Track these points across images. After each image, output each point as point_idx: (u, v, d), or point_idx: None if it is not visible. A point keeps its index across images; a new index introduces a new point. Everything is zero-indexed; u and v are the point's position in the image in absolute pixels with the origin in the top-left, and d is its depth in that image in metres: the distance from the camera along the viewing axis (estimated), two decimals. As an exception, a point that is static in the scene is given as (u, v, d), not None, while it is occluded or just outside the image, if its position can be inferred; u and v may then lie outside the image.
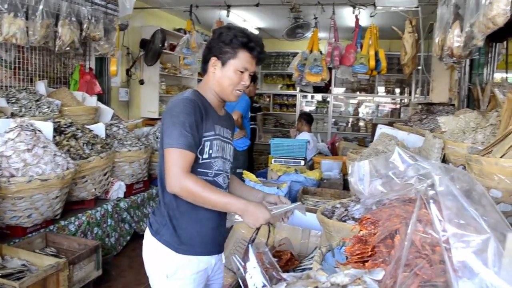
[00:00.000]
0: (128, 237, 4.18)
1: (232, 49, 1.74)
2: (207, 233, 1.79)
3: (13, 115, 3.64)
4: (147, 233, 1.84)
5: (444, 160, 2.62)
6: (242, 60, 1.75)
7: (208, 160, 1.75)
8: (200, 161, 1.73)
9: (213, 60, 1.78)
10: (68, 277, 2.74)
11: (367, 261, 1.11)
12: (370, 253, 1.11)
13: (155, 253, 1.79)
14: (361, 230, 1.20)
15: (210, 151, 1.75)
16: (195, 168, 1.72)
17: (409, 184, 1.04)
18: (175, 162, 1.60)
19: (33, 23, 4.08)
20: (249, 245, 1.79)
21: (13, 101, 3.90)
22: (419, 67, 5.73)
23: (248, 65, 1.77)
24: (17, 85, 4.38)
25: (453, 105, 4.77)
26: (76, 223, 3.50)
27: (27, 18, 4.04)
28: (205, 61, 1.83)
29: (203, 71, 1.86)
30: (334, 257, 1.38)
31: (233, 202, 1.64)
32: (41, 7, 4.11)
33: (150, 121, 6.46)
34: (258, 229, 2.73)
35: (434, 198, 0.95)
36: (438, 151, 2.53)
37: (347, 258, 1.23)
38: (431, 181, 0.98)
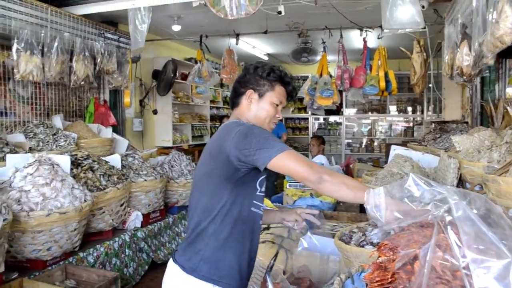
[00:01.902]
0: (146, 267, 4.17)
1: (269, 82, 1.81)
2: (244, 266, 1.76)
3: (31, 150, 3.72)
4: (179, 274, 1.74)
5: (460, 180, 2.60)
6: (278, 93, 1.81)
7: (262, 194, 1.77)
8: (258, 193, 1.75)
9: (250, 92, 1.81)
10: (88, 310, 2.74)
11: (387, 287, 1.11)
12: (390, 279, 1.11)
13: None
14: (379, 257, 1.20)
15: (264, 186, 1.77)
16: (251, 200, 1.73)
17: (425, 210, 1.05)
18: (299, 158, 1.56)
19: (49, 60, 4.20)
20: (267, 275, 1.79)
21: (31, 135, 3.99)
22: (430, 85, 5.75)
23: (283, 99, 1.83)
24: (35, 120, 4.49)
25: (467, 122, 4.75)
26: (95, 254, 3.52)
27: (42, 55, 4.17)
28: (237, 95, 1.85)
29: (233, 105, 1.88)
30: (353, 284, 1.38)
31: (363, 192, 1.44)
32: (56, 44, 4.25)
33: (164, 150, 6.54)
34: (276, 256, 2.73)
35: (452, 224, 0.95)
36: (454, 171, 2.52)
37: (366, 285, 1.23)
38: (448, 206, 0.98)
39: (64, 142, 4.02)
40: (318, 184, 1.50)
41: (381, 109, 9.84)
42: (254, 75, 1.82)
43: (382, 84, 5.41)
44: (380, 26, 4.59)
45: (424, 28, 3.91)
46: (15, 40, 3.95)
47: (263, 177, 1.75)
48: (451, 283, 0.96)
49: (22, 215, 2.84)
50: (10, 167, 3.17)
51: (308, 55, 6.89)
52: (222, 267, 1.70)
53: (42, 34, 4.23)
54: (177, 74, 7.06)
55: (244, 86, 1.83)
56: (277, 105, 1.81)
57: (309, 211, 1.91)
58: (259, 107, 1.80)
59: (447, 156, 2.74)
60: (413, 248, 1.09)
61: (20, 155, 3.36)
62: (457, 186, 2.55)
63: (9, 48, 4.08)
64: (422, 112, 8.74)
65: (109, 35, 5.25)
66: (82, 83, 4.61)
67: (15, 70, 4.01)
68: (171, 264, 1.80)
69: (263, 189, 1.78)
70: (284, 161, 1.55)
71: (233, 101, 1.88)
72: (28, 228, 2.89)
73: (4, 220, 2.51)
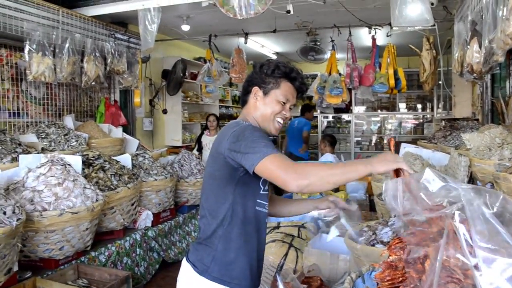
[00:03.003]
0: (157, 266, 4.21)
1: (274, 79, 1.77)
2: (255, 264, 1.78)
3: (43, 150, 3.76)
4: (191, 274, 1.75)
5: (471, 178, 2.59)
6: (284, 90, 1.77)
7: (266, 193, 1.76)
8: (261, 192, 1.75)
9: (255, 90, 1.80)
10: (101, 308, 2.77)
11: (398, 287, 1.11)
12: (400, 278, 1.11)
13: None
14: (390, 256, 1.21)
15: (264, 186, 1.76)
16: (256, 199, 1.74)
17: (439, 206, 1.05)
18: (281, 162, 1.49)
19: (60, 61, 4.26)
20: (277, 274, 1.80)
21: (43, 136, 4.04)
22: (440, 82, 5.71)
23: (290, 96, 1.78)
24: (47, 120, 4.54)
25: (477, 119, 4.72)
26: (106, 253, 3.55)
27: (54, 56, 4.22)
28: (245, 93, 1.85)
29: (243, 103, 1.87)
30: (364, 283, 1.38)
31: (357, 164, 1.44)
32: (67, 45, 4.30)
33: (174, 149, 6.57)
34: (286, 255, 2.74)
35: (464, 221, 0.95)
36: (465, 169, 2.51)
37: (377, 284, 1.24)
38: (461, 203, 0.98)
39: (75, 142, 4.06)
40: (303, 181, 1.43)
41: (391, 107, 9.80)
42: (260, 73, 1.80)
43: (392, 82, 5.38)
44: (389, 24, 4.57)
45: (434, 25, 3.89)
46: (27, 42, 4.01)
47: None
48: (462, 282, 0.96)
49: (35, 215, 2.88)
50: (23, 167, 3.20)
51: (316, 54, 6.88)
52: (232, 268, 1.71)
53: (54, 35, 4.28)
54: (187, 73, 7.09)
55: (251, 84, 1.82)
56: (284, 102, 1.77)
57: (343, 203, 1.86)
58: (265, 105, 1.78)
59: (457, 154, 2.73)
60: (424, 247, 1.09)
61: (33, 155, 3.40)
62: (468, 185, 2.53)
63: (21, 49, 4.13)
64: (432, 109, 8.70)
65: (119, 36, 5.30)
66: (93, 83, 4.65)
67: (27, 71, 4.08)
68: (184, 263, 1.82)
69: (266, 187, 1.77)
70: (265, 168, 1.50)
71: (243, 99, 1.87)
72: (41, 228, 2.92)
73: (17, 220, 2.55)
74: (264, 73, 1.79)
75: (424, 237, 1.12)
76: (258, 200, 1.75)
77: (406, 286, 1.06)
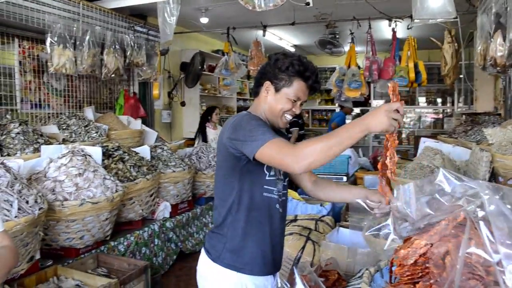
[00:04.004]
0: (175, 256, 4.25)
1: (287, 77, 1.74)
2: (268, 253, 1.81)
3: (64, 141, 3.83)
4: (205, 261, 1.84)
5: (493, 173, 2.55)
6: (296, 89, 1.74)
7: (273, 178, 1.77)
8: (267, 177, 1.76)
9: (267, 84, 1.78)
10: (120, 297, 2.82)
11: (417, 282, 1.11)
12: (420, 274, 1.11)
13: (214, 278, 1.80)
14: (402, 249, 1.20)
15: (270, 173, 1.77)
16: (262, 185, 1.75)
17: (457, 205, 1.04)
18: (279, 148, 1.51)
19: (81, 53, 4.31)
20: (294, 267, 1.80)
21: (64, 127, 4.11)
22: (461, 76, 5.61)
23: (301, 94, 1.75)
24: (67, 112, 4.61)
25: (499, 114, 4.63)
26: (125, 243, 3.60)
27: (75, 49, 4.27)
28: (257, 85, 1.83)
29: (255, 94, 1.87)
30: (383, 278, 1.38)
31: (352, 128, 1.44)
32: (87, 37, 4.35)
33: (191, 141, 6.60)
34: (303, 248, 2.74)
35: (485, 219, 0.94)
36: (486, 165, 2.47)
37: (395, 278, 1.23)
38: (480, 201, 0.97)
39: (95, 134, 4.12)
40: (304, 161, 1.43)
41: (410, 101, 9.67)
42: (274, 67, 1.76)
43: (412, 75, 5.31)
44: (410, 16, 4.50)
45: (456, 17, 3.81)
46: (49, 34, 4.07)
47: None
48: (484, 279, 0.95)
49: (57, 204, 2.93)
50: (44, 157, 3.26)
51: (333, 47, 6.82)
52: (243, 254, 1.76)
53: (74, 28, 4.33)
54: (205, 66, 7.11)
55: (264, 77, 1.80)
56: (294, 100, 1.75)
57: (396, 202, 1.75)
58: (275, 101, 1.76)
59: (479, 149, 2.69)
60: (445, 243, 1.08)
61: (54, 146, 3.46)
62: (489, 180, 2.50)
63: (43, 42, 4.20)
64: (452, 103, 8.57)
65: (138, 28, 5.34)
66: (113, 75, 4.70)
67: (49, 63, 4.14)
68: (202, 250, 1.89)
69: (272, 172, 1.77)
70: (265, 154, 1.53)
71: (255, 91, 1.87)
72: (62, 217, 2.98)
73: (39, 209, 2.60)
74: (278, 68, 1.75)
75: (444, 234, 1.11)
76: (265, 186, 1.76)
77: (426, 282, 1.06)
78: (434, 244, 1.10)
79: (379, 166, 1.56)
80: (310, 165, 1.44)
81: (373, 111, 1.41)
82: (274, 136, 1.56)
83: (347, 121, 7.48)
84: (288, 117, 1.79)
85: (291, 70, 1.73)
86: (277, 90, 1.76)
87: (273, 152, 1.51)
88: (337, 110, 9.47)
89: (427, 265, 1.10)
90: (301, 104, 1.80)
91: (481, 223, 0.95)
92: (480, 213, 0.96)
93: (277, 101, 1.76)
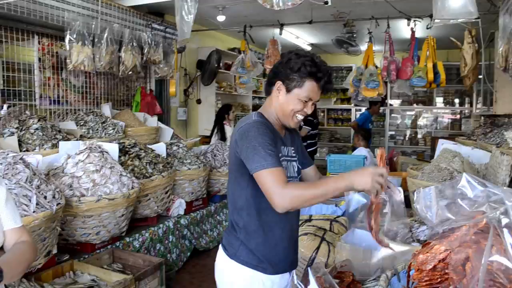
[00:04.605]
0: (189, 253, 4.28)
1: (299, 77, 1.71)
2: (280, 253, 1.82)
3: (82, 137, 3.87)
4: (223, 257, 1.86)
5: (513, 177, 2.50)
6: (307, 89, 1.72)
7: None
8: None
9: (279, 84, 1.77)
10: (134, 293, 2.84)
11: (436, 287, 1.09)
12: (439, 279, 1.09)
13: (231, 274, 1.83)
14: (421, 254, 1.18)
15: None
16: None
17: (480, 211, 1.02)
18: (272, 181, 1.57)
19: (99, 50, 4.35)
20: (308, 268, 1.79)
21: (81, 123, 4.16)
22: (480, 77, 5.52)
23: (313, 95, 1.73)
24: (85, 108, 4.66)
25: (520, 117, 4.54)
26: (140, 239, 3.63)
27: (93, 46, 4.31)
28: (270, 84, 1.82)
29: (266, 93, 1.87)
30: (400, 282, 1.36)
31: (339, 182, 1.55)
32: (106, 35, 4.38)
33: (207, 139, 6.63)
34: (317, 248, 2.73)
35: (508, 226, 0.92)
36: (507, 169, 2.42)
37: (412, 283, 1.21)
38: (504, 208, 0.95)
39: (112, 130, 4.16)
40: (286, 204, 1.55)
41: (427, 101, 9.54)
42: (286, 67, 1.74)
43: (430, 75, 5.23)
44: (430, 16, 4.44)
45: (478, 18, 3.74)
46: (68, 31, 4.12)
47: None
48: (506, 287, 0.93)
49: (74, 200, 2.97)
50: (62, 153, 3.31)
51: (350, 46, 6.76)
52: (258, 252, 1.79)
53: (93, 25, 4.37)
54: (221, 64, 7.12)
55: (276, 76, 1.78)
56: (306, 101, 1.74)
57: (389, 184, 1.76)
58: (286, 101, 1.75)
59: (499, 152, 2.64)
60: (465, 249, 1.06)
61: (72, 142, 3.51)
62: (509, 185, 2.45)
63: (62, 39, 4.25)
64: (471, 104, 8.43)
65: (156, 26, 5.36)
66: (130, 72, 4.74)
67: (67, 60, 4.19)
68: (220, 246, 1.92)
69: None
70: (259, 179, 1.60)
71: (267, 89, 1.86)
72: (79, 213, 3.01)
73: (57, 204, 2.64)
74: (290, 68, 1.72)
75: (465, 240, 1.09)
76: None
77: (445, 288, 1.04)
78: (454, 250, 1.08)
79: (367, 226, 1.65)
80: (292, 209, 1.58)
81: (360, 170, 1.54)
82: (274, 162, 1.59)
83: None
84: (300, 117, 1.78)
85: (303, 71, 1.70)
86: (288, 90, 1.74)
87: (267, 182, 1.58)
88: (363, 109, 9.44)
89: (446, 271, 1.09)
90: (313, 104, 1.79)
91: (505, 230, 0.93)
92: (504, 220, 0.94)
93: (288, 101, 1.75)
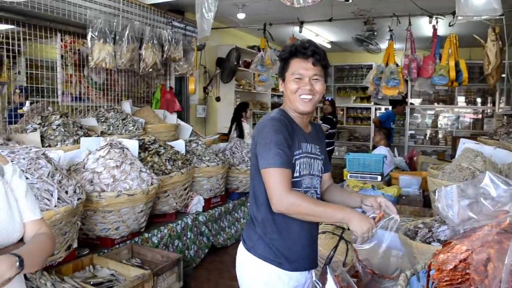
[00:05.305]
0: (206, 250, 4.30)
1: (284, 62, 1.83)
2: (297, 250, 1.82)
3: (102, 134, 3.92)
4: (242, 249, 1.90)
5: (537, 178, 2.44)
6: (293, 68, 1.79)
7: (298, 179, 1.78)
8: (292, 180, 1.77)
9: (280, 80, 1.89)
10: (152, 288, 2.87)
11: (457, 288, 1.07)
12: (460, 280, 1.07)
13: (249, 268, 1.85)
14: (441, 254, 1.16)
15: (299, 170, 1.78)
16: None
17: (503, 211, 1.00)
18: (276, 181, 1.64)
19: (120, 48, 4.39)
20: (327, 266, 1.78)
21: (102, 120, 4.21)
22: (503, 75, 5.40)
23: (301, 69, 1.78)
24: (106, 105, 4.72)
25: (545, 116, 4.43)
26: (159, 235, 3.66)
27: (114, 44, 4.36)
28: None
29: None
30: (419, 282, 1.35)
31: (338, 211, 1.66)
32: (127, 32, 4.43)
33: (225, 137, 6.65)
34: (336, 247, 2.71)
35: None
36: (531, 169, 2.37)
37: (432, 283, 1.20)
38: (529, 207, 0.93)
39: (132, 127, 4.20)
40: (282, 208, 1.64)
41: (449, 100, 9.37)
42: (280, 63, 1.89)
43: (452, 74, 5.15)
44: (452, 13, 4.36)
45: (502, 15, 3.67)
46: (90, 29, 4.17)
47: (297, 161, 1.77)
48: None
49: (94, 195, 3.01)
50: (83, 149, 3.36)
51: (371, 44, 6.69)
52: (273, 248, 1.80)
53: (114, 23, 4.42)
54: (240, 62, 7.13)
55: (278, 76, 1.93)
56: (299, 79, 1.78)
57: (391, 205, 1.82)
58: (286, 89, 1.84)
59: (523, 152, 2.58)
60: (487, 249, 1.04)
61: (93, 138, 3.56)
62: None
63: (84, 36, 4.31)
64: (493, 104, 8.26)
65: (176, 24, 5.40)
66: (150, 70, 4.78)
67: (89, 58, 4.25)
68: (241, 239, 1.95)
69: (296, 174, 1.78)
70: (265, 177, 1.68)
71: None
72: (99, 208, 3.06)
73: (78, 199, 2.68)
74: (280, 61, 1.87)
75: (486, 240, 1.07)
76: (293, 188, 1.76)
77: (466, 288, 1.02)
78: (476, 250, 1.06)
79: None
80: (285, 213, 1.67)
81: (361, 216, 1.66)
82: (281, 162, 1.65)
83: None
84: (304, 96, 1.79)
85: (284, 55, 1.83)
86: (283, 79, 1.85)
87: (272, 181, 1.65)
88: (382, 109, 9.38)
89: (467, 271, 1.07)
90: (315, 81, 1.79)
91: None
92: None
93: (286, 88, 1.84)
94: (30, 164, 2.57)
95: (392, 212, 1.79)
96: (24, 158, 2.58)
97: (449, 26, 5.12)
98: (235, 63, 6.77)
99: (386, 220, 1.77)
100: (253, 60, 6.42)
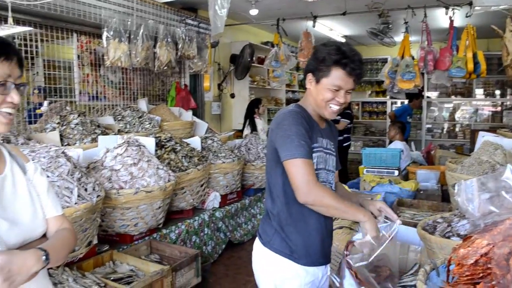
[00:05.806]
0: (223, 246, 4.33)
1: (325, 67, 1.73)
2: (313, 244, 1.83)
3: (119, 132, 3.97)
4: (258, 244, 1.91)
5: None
6: (334, 78, 1.73)
7: (316, 172, 1.77)
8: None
9: (309, 76, 1.82)
10: (171, 283, 2.90)
11: (478, 283, 1.06)
12: (481, 274, 1.06)
13: (266, 262, 1.85)
14: (461, 248, 1.15)
15: (316, 163, 1.78)
16: None
17: (525, 204, 0.99)
18: (303, 172, 1.63)
19: (135, 47, 4.43)
20: (344, 261, 1.78)
21: (119, 118, 4.26)
22: (523, 67, 5.30)
23: (341, 83, 1.73)
24: (122, 103, 4.77)
25: None
26: (177, 231, 3.70)
27: (129, 43, 4.40)
28: (304, 77, 1.88)
29: (304, 86, 1.91)
30: (439, 277, 1.34)
31: (358, 210, 1.68)
32: (141, 31, 4.46)
33: (240, 133, 6.66)
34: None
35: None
36: (552, 161, 2.33)
37: (452, 278, 1.19)
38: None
39: (149, 125, 4.24)
40: (309, 198, 1.64)
41: (466, 92, 9.22)
42: (314, 57, 1.79)
43: (470, 66, 5.06)
44: (469, 3, 4.29)
45: (521, 4, 3.60)
46: (105, 29, 4.22)
47: (314, 154, 1.76)
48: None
49: (113, 192, 3.06)
50: (101, 147, 3.40)
51: (385, 37, 6.61)
52: (290, 243, 1.80)
53: (129, 22, 4.46)
54: (254, 58, 7.13)
55: (307, 70, 1.84)
56: (336, 90, 1.74)
57: (390, 211, 1.82)
58: (316, 92, 1.79)
59: (544, 144, 2.54)
60: (509, 243, 1.03)
61: (110, 137, 3.60)
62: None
63: (99, 36, 4.35)
64: (513, 96, 8.12)
65: (189, 21, 5.42)
66: (165, 68, 4.81)
67: (105, 57, 4.30)
68: (257, 234, 1.96)
69: (321, 166, 1.79)
70: (289, 168, 1.67)
71: (304, 83, 1.90)
72: (118, 205, 3.10)
73: (97, 196, 2.72)
74: (317, 59, 1.76)
75: (508, 234, 1.06)
76: None
77: (487, 283, 1.01)
78: (497, 244, 1.05)
79: None
80: (311, 204, 1.66)
81: (375, 221, 1.70)
82: (305, 153, 1.65)
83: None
84: (334, 107, 1.78)
85: (328, 60, 1.73)
86: (317, 81, 1.78)
87: (297, 172, 1.64)
88: (398, 103, 9.31)
89: (488, 265, 1.06)
90: (348, 93, 1.78)
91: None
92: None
93: (318, 92, 1.78)
94: (50, 162, 2.62)
95: (393, 218, 1.78)
96: (44, 157, 2.62)
97: (466, 17, 5.03)
98: (249, 59, 6.78)
99: (387, 226, 1.76)
100: (267, 56, 6.41)
